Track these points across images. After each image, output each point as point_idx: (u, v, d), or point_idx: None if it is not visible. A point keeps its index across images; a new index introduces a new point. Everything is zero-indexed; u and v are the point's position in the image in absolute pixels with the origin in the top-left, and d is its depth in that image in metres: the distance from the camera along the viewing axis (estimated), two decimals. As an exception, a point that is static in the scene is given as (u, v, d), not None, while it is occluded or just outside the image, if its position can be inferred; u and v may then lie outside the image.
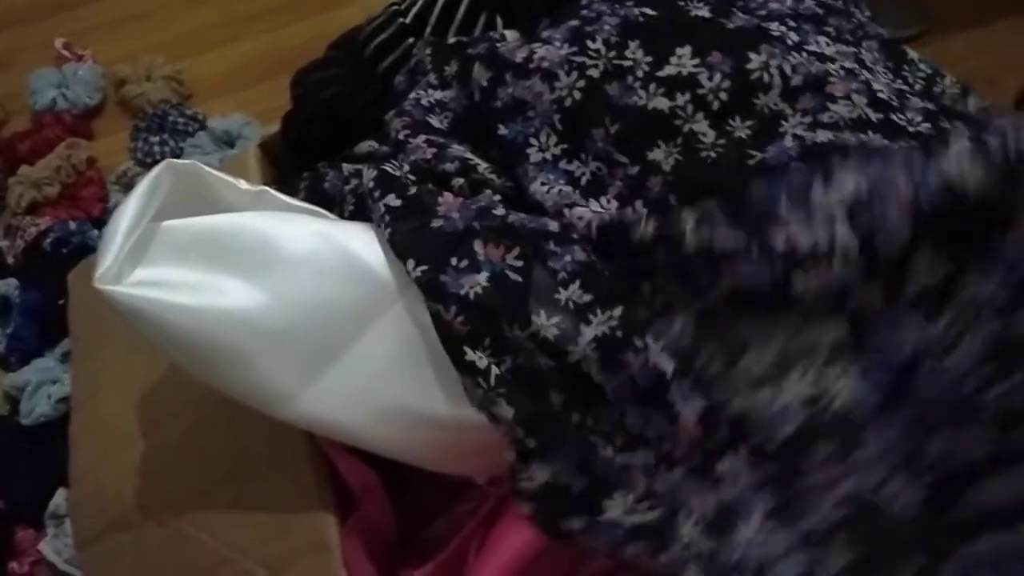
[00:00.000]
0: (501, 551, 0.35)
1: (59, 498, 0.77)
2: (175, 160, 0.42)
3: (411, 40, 0.53)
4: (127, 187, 0.98)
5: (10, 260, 0.93)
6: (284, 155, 0.57)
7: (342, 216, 0.46)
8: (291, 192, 0.50)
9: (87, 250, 0.92)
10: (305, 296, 0.38)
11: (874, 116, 0.39)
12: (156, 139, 1.01)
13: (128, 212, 0.39)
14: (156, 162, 0.98)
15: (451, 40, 0.50)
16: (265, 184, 0.53)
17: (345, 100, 0.54)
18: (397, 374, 0.38)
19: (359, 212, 0.46)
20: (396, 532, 0.43)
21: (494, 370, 0.37)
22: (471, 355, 0.36)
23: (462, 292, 0.37)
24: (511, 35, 0.48)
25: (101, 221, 0.96)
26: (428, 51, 0.49)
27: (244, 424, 0.43)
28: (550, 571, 0.37)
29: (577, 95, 0.42)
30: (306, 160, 0.54)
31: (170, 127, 1.02)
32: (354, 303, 0.38)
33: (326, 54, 0.57)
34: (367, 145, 0.53)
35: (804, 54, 0.41)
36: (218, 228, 0.39)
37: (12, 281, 0.90)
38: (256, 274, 0.38)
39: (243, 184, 0.44)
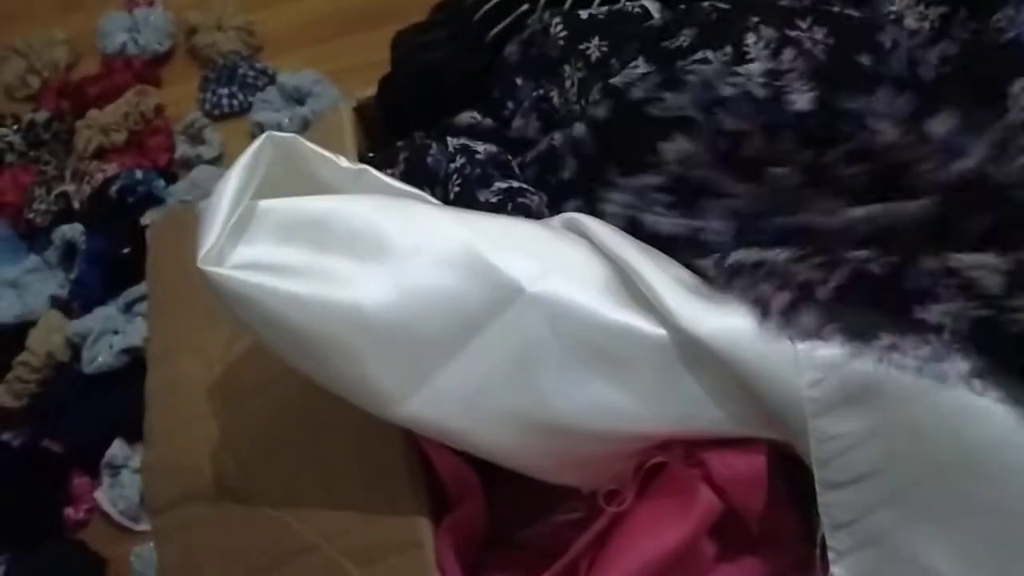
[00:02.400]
0: (614, 572, 0.33)
1: (116, 448, 0.77)
2: (276, 133, 0.40)
3: (524, 8, 0.49)
4: (193, 138, 0.97)
5: (76, 205, 0.92)
6: (379, 119, 0.54)
7: (446, 198, 0.44)
8: (389, 162, 0.48)
9: (153, 200, 0.91)
10: (422, 291, 0.35)
11: None
12: (225, 91, 0.99)
13: (229, 187, 0.37)
14: (224, 115, 1.01)
15: (582, 14, 0.46)
16: (359, 151, 0.51)
17: (448, 66, 0.50)
18: (515, 377, 0.35)
19: (464, 195, 0.43)
20: (485, 534, 0.41)
21: None
22: None
23: None
24: (652, 6, 0.44)
25: (167, 171, 0.95)
26: (558, 23, 0.45)
27: (333, 407, 0.40)
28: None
29: None
30: (402, 126, 0.52)
31: (239, 80, 1.00)
32: (473, 300, 0.35)
33: (430, 16, 0.54)
34: (468, 116, 0.50)
35: None
36: (327, 211, 0.37)
37: (77, 226, 0.90)
38: (369, 264, 0.35)
39: (343, 162, 0.41)
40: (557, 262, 0.37)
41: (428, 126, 0.50)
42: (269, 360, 0.42)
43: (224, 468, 0.45)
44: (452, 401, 0.35)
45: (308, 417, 0.43)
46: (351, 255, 0.36)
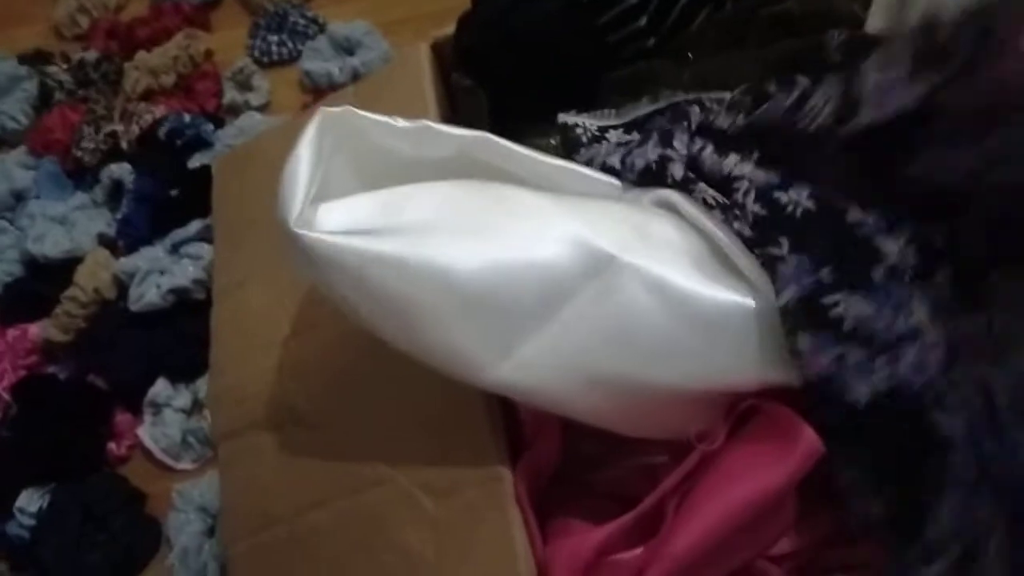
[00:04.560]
0: (706, 513, 0.33)
1: (159, 387, 0.78)
2: (327, 108, 0.40)
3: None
4: (242, 84, 0.96)
5: (124, 145, 0.92)
6: (456, 59, 0.53)
7: None
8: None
9: (201, 143, 0.91)
10: (512, 259, 0.35)
11: None
12: (275, 39, 0.98)
13: (304, 156, 0.37)
14: (273, 62, 1.00)
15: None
16: (434, 89, 0.50)
17: (532, 7, 0.49)
18: (608, 344, 0.35)
19: None
20: (556, 473, 0.41)
21: None
22: None
23: None
24: None
25: (215, 116, 0.94)
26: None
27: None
28: (755, 539, 0.35)
29: None
30: (480, 68, 0.50)
31: (289, 27, 0.99)
32: (563, 267, 0.35)
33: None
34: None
35: None
36: (411, 190, 0.37)
37: (126, 166, 0.89)
38: (459, 234, 0.35)
39: (400, 122, 0.41)
40: (648, 233, 0.38)
41: (509, 69, 0.49)
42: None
43: (293, 397, 0.45)
44: (544, 367, 0.35)
45: (382, 349, 0.42)
46: (440, 227, 0.36)
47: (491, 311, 0.35)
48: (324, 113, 0.39)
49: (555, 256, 0.35)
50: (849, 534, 0.36)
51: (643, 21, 0.49)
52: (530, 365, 0.35)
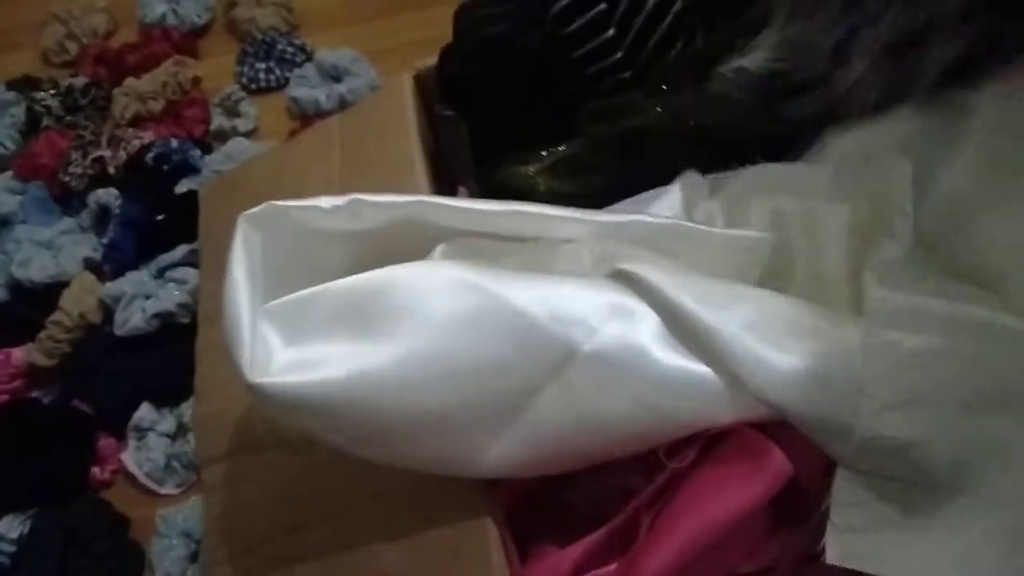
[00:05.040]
0: (677, 534, 0.33)
1: (143, 411, 0.78)
2: (247, 212, 0.39)
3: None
4: (229, 111, 0.98)
5: (111, 170, 0.93)
6: (438, 90, 0.54)
7: None
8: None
9: (188, 169, 0.92)
10: (463, 362, 0.35)
11: None
12: (263, 66, 1.00)
13: (238, 279, 0.37)
14: (260, 89, 1.01)
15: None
16: (417, 119, 0.52)
17: (512, 40, 0.51)
18: (583, 430, 0.36)
19: None
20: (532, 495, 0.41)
21: None
22: None
23: None
24: None
25: (202, 142, 0.96)
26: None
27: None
28: (724, 557, 0.35)
29: None
30: (461, 99, 0.52)
31: (277, 55, 1.00)
32: (525, 365, 0.35)
33: (494, -11, 0.54)
34: None
35: None
36: (354, 290, 0.36)
37: (112, 191, 0.90)
38: (399, 338, 0.34)
39: (326, 202, 0.40)
40: (609, 314, 0.36)
41: (489, 99, 0.51)
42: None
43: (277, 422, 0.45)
44: (523, 456, 0.36)
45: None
46: (387, 332, 0.35)
47: (451, 421, 0.35)
48: (244, 218, 0.38)
49: (514, 355, 0.35)
50: (818, 552, 0.37)
51: (619, 54, 0.50)
52: (507, 457, 0.36)
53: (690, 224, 0.42)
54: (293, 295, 0.37)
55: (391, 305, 0.35)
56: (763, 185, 0.44)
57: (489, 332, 0.35)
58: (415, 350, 0.34)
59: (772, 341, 0.35)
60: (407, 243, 0.40)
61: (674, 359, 0.36)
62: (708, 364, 0.36)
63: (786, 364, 0.34)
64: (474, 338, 0.35)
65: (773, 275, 0.42)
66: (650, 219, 0.42)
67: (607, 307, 0.36)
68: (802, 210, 0.41)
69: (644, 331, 0.36)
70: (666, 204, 0.45)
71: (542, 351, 0.35)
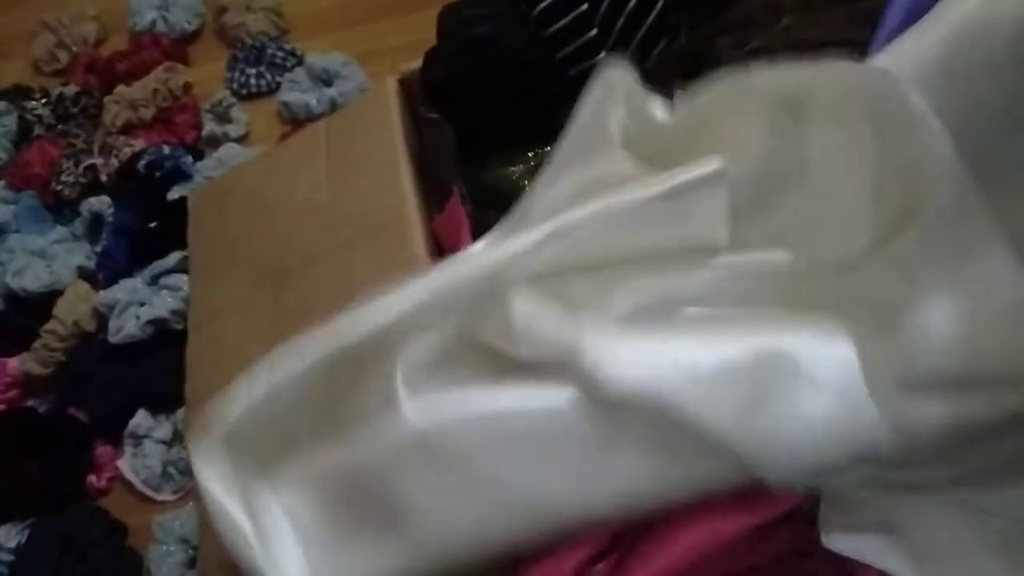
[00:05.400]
0: (671, 550, 0.33)
1: (139, 418, 0.78)
2: (193, 436, 0.39)
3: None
4: (220, 116, 0.98)
5: (103, 178, 0.93)
6: (423, 93, 0.54)
7: None
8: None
9: (180, 175, 0.92)
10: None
11: None
12: (253, 71, 1.00)
13: (226, 507, 0.38)
14: (251, 94, 1.01)
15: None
16: (401, 121, 0.52)
17: (497, 41, 0.51)
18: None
19: None
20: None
21: None
22: None
23: None
24: None
25: (194, 148, 0.96)
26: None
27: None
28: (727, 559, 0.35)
29: None
30: (446, 101, 0.52)
31: (268, 60, 1.00)
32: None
33: (477, -8, 0.55)
34: None
35: None
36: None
37: (105, 199, 0.90)
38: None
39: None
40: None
41: (474, 101, 0.51)
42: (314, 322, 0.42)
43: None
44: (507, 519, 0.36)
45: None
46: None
47: None
48: (196, 445, 0.39)
49: None
50: (806, 549, 0.37)
51: (602, 54, 0.51)
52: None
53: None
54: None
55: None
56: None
57: None
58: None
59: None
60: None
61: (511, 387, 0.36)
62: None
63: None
64: None
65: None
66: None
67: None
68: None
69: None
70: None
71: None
